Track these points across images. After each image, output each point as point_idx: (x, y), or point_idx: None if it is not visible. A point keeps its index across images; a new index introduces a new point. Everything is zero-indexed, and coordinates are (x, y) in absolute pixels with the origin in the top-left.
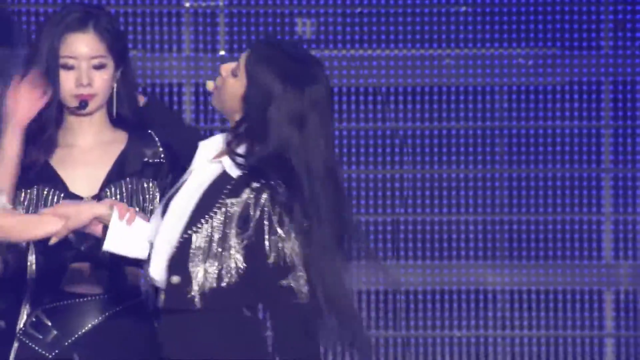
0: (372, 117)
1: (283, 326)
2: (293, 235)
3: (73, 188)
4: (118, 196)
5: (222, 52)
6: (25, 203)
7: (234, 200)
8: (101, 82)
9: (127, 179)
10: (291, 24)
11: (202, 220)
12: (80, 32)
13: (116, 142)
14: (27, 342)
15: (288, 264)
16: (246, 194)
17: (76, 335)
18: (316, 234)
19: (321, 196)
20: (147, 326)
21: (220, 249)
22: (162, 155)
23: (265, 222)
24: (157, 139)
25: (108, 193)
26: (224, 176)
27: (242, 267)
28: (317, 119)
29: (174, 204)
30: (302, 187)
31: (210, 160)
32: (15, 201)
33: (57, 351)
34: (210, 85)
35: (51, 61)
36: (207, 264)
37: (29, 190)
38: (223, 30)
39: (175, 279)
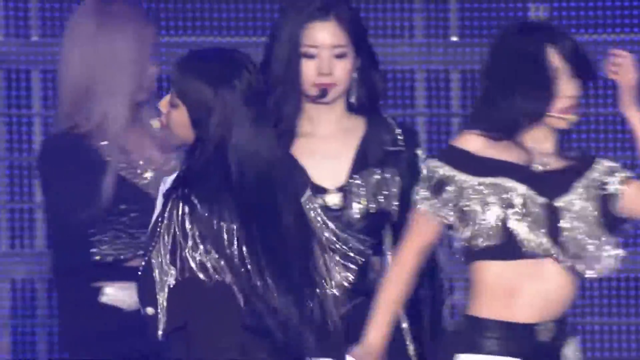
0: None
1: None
2: (203, 249)
3: (317, 179)
4: (363, 187)
5: (454, 38)
6: None
7: (165, 219)
8: (342, 71)
9: (371, 168)
10: (524, 9)
11: (152, 245)
12: (321, 20)
13: (355, 130)
14: None
15: (202, 277)
16: (167, 209)
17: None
18: (237, 242)
19: (251, 203)
20: None
21: (166, 269)
22: (401, 142)
23: (180, 238)
24: (394, 124)
25: (353, 184)
26: None
27: (173, 283)
28: (249, 112)
29: None
30: (225, 198)
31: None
32: None
33: None
34: (156, 124)
35: (292, 50)
36: (165, 290)
37: None
38: (454, 15)
39: (150, 310)
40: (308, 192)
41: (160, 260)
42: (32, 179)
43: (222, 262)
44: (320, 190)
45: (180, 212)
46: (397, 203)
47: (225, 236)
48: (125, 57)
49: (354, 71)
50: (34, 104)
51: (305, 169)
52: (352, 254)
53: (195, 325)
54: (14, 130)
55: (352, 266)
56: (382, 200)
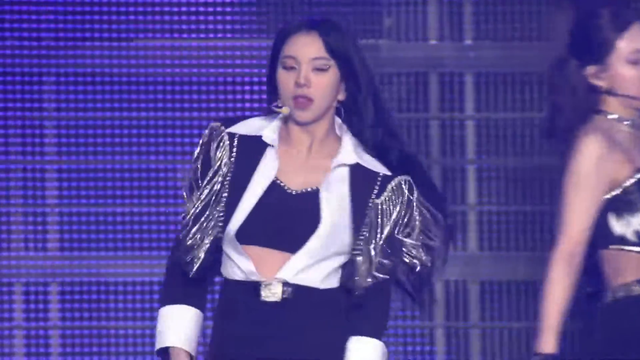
0: None
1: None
2: (419, 231)
3: None
4: None
5: None
6: None
7: (382, 199)
8: None
9: None
10: None
11: (363, 223)
12: None
13: None
14: None
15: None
16: (390, 192)
17: None
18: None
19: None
20: None
21: (369, 248)
22: None
23: (405, 219)
24: None
25: None
26: (364, 175)
27: (383, 263)
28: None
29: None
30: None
31: (345, 161)
32: None
33: None
34: (286, 110)
35: None
36: (365, 265)
37: None
38: None
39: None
40: None
41: (367, 238)
42: (464, 182)
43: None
44: None
45: (409, 198)
46: None
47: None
48: None
49: None
50: (467, 107)
51: None
52: None
53: None
54: (447, 134)
55: None
56: None
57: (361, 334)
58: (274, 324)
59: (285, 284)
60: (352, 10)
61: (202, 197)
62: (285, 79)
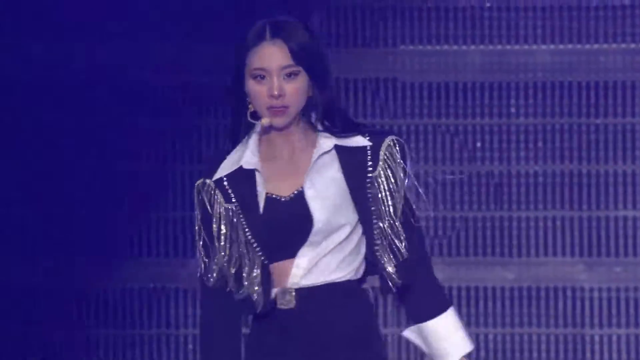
0: None
1: None
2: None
3: None
4: None
5: None
6: None
7: (379, 170)
8: None
9: None
10: None
11: (367, 200)
12: None
13: None
14: None
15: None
16: (383, 160)
17: None
18: None
19: None
20: None
21: (384, 227)
22: None
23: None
24: None
25: None
26: (351, 154)
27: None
28: None
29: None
30: None
31: (325, 149)
32: None
33: None
34: (265, 121)
35: None
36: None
37: None
38: None
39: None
40: None
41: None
42: None
43: None
44: None
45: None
46: None
47: None
48: None
49: None
50: None
51: None
52: None
53: None
54: None
55: None
56: None
57: (433, 316)
58: (293, 331)
59: (299, 289)
60: (612, 14)
61: (226, 250)
62: (257, 89)
